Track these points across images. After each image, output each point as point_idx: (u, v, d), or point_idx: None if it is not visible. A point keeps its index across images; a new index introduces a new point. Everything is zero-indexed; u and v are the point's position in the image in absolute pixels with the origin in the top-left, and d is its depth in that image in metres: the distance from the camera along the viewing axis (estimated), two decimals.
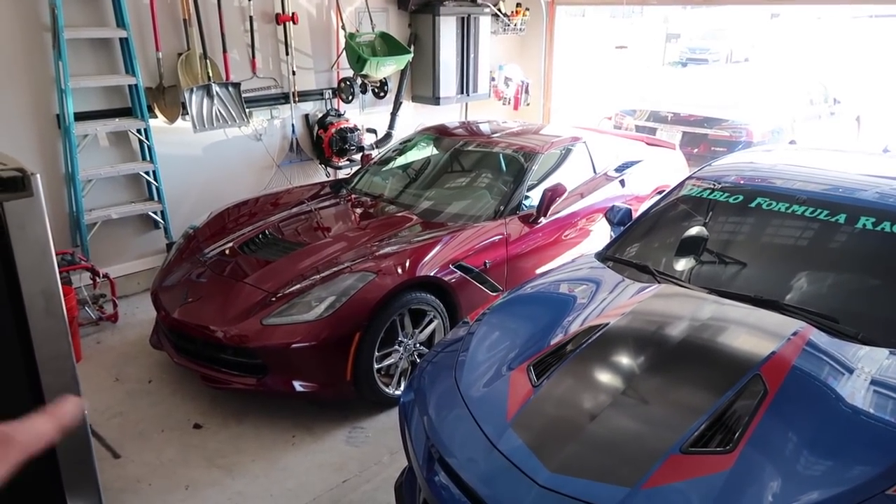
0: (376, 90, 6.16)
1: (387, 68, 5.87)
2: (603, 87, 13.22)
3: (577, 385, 2.28)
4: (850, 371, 2.25)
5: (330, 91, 6.06)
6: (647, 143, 6.03)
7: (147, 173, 4.95)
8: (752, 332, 2.50)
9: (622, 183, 5.11)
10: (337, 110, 6.08)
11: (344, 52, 5.84)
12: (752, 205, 3.11)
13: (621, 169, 5.23)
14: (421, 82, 6.63)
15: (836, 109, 9.21)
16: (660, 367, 2.32)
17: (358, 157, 5.82)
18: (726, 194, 3.24)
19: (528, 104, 7.49)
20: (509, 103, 7.36)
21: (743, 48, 22.94)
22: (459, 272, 3.86)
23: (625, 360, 2.40)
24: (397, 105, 6.50)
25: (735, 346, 2.45)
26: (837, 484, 1.81)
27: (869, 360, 2.30)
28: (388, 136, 6.43)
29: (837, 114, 9.20)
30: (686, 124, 7.83)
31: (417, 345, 3.75)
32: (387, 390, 3.61)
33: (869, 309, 2.68)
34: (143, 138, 4.87)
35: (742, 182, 3.30)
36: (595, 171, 5.04)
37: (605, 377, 2.32)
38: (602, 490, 1.87)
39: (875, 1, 7.03)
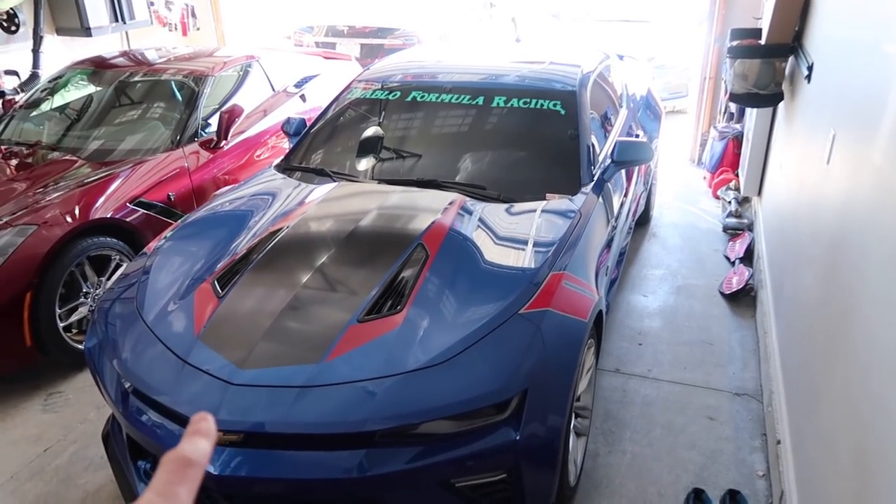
0: (5, 24, 5.30)
1: None
2: (280, 7, 12.87)
3: (261, 288, 2.35)
4: (491, 227, 2.65)
5: None
6: (325, 58, 6.10)
7: None
8: (416, 209, 2.79)
9: (303, 98, 5.16)
10: None
11: None
12: (409, 99, 3.39)
13: (300, 84, 5.26)
14: (63, 11, 5.84)
15: (494, 13, 10.17)
16: (337, 257, 2.48)
17: None
18: (386, 92, 3.47)
19: (198, 29, 7.07)
20: (177, 29, 6.86)
21: None
22: (141, 209, 3.64)
23: (305, 256, 2.52)
24: (38, 40, 5.67)
25: (401, 224, 2.71)
26: (483, 317, 2.16)
27: (505, 216, 2.73)
28: (34, 76, 5.60)
29: (495, 16, 10.16)
30: (362, 36, 8.05)
31: None
32: (81, 347, 3.35)
33: (507, 174, 3.13)
34: None
35: (400, 79, 3.56)
36: (273, 89, 5.00)
37: (287, 275, 2.42)
38: (292, 372, 2.01)
39: None
